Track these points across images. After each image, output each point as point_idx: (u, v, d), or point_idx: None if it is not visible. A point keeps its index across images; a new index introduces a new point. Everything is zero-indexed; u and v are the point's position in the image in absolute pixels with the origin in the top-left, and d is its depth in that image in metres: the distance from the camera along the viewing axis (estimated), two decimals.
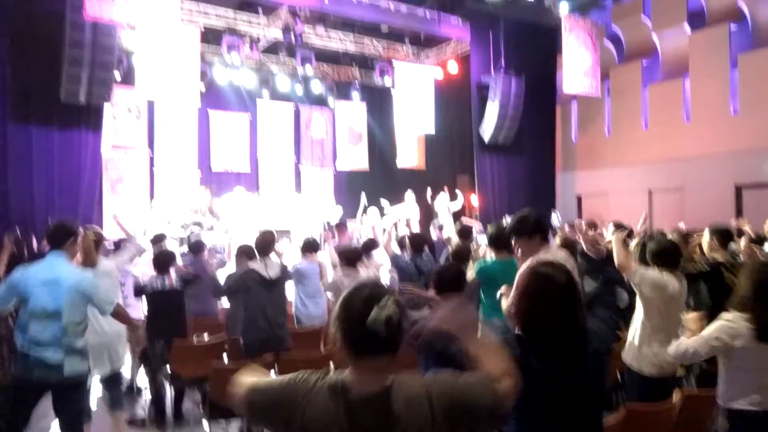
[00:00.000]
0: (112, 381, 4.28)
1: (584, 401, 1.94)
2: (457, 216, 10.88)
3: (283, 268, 4.81)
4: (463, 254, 4.82)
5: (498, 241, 4.13)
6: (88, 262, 3.90)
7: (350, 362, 1.43)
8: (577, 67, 10.38)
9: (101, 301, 3.57)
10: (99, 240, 4.41)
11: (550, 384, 1.86)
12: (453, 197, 11.19)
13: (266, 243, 4.77)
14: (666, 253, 3.62)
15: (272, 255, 4.80)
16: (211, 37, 11.60)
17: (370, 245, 6.24)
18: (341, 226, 8.47)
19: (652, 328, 3.46)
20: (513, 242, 3.38)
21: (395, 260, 5.49)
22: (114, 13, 6.90)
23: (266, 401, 1.45)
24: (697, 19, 10.45)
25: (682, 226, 6.53)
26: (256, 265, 4.61)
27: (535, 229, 3.32)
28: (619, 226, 5.36)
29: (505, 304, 3.20)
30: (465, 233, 6.21)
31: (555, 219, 9.36)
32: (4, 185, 7.36)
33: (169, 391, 4.75)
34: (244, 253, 5.16)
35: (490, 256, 4.31)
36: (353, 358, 1.42)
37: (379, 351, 1.40)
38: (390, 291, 1.46)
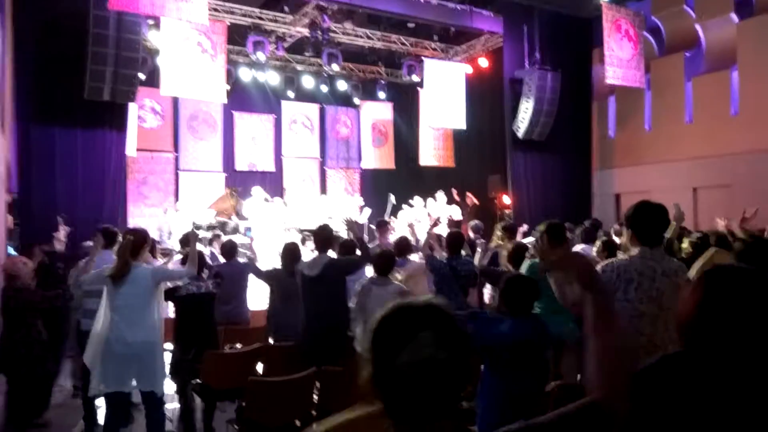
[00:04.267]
0: (149, 403, 3.86)
1: None
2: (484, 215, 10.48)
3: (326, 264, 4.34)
4: (518, 255, 4.34)
5: (554, 239, 3.71)
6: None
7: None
8: (619, 58, 9.89)
9: None
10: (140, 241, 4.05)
11: None
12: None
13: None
14: (753, 254, 3.23)
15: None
16: (236, 36, 11.36)
17: (405, 247, 5.54)
18: (382, 225, 7.48)
19: None
20: None
21: (430, 261, 5.07)
22: (139, 5, 6.63)
23: None
24: (745, 8, 9.87)
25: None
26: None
27: None
28: None
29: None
30: (510, 231, 5.69)
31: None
32: (27, 184, 7.16)
33: (198, 405, 4.42)
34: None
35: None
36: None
37: (414, 403, 0.99)
38: (436, 317, 1.02)
